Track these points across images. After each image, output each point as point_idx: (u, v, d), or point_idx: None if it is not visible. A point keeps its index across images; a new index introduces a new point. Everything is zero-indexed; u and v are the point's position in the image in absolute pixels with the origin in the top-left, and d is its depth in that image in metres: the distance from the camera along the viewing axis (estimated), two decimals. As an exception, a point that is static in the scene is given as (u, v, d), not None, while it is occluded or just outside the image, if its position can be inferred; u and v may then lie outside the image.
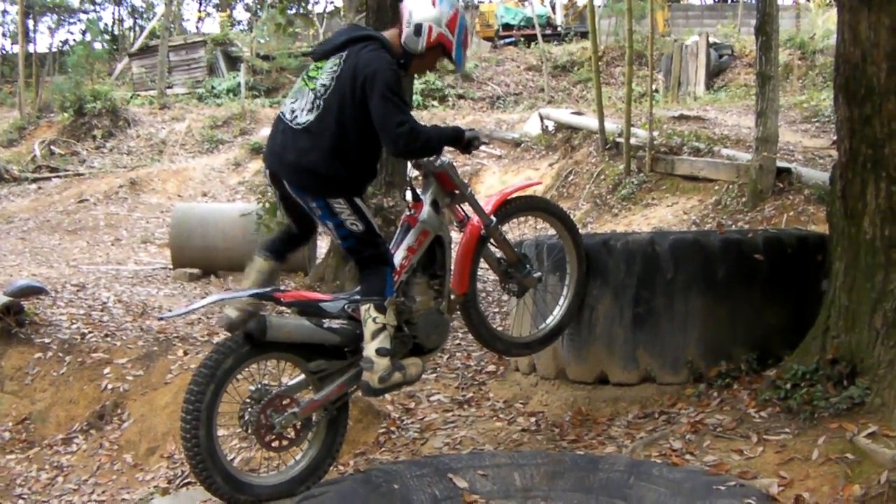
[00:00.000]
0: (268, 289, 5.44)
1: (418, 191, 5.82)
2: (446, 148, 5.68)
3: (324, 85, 5.33)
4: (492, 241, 6.02)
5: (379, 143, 5.39)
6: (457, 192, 5.85)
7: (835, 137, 6.01)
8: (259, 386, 5.28)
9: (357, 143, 5.31)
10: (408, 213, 5.79)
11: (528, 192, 6.90)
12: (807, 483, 4.80)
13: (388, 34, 5.54)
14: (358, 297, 5.43)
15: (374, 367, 5.28)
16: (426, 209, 5.71)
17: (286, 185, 5.37)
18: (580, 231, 6.72)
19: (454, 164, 5.86)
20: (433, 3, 5.46)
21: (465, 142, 5.67)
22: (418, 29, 5.44)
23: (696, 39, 28.00)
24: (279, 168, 5.38)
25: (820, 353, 5.75)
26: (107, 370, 8.94)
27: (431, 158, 5.69)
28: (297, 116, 5.36)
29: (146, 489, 7.41)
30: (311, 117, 5.30)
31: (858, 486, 4.63)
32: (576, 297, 6.58)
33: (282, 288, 5.69)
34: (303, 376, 5.49)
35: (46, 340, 9.47)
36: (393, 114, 5.21)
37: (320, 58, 5.51)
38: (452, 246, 5.88)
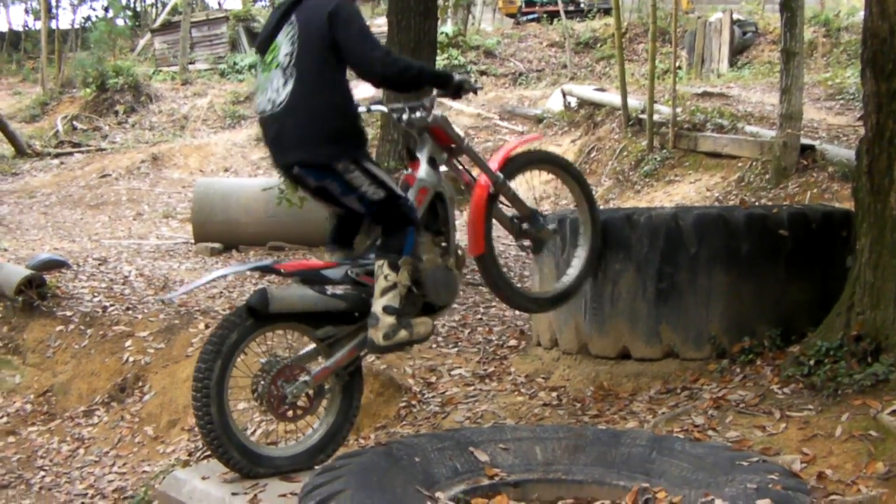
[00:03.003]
0: (267, 261, 5.42)
1: (414, 149, 5.77)
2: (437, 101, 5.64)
3: (287, 54, 5.27)
4: (502, 197, 5.96)
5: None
6: (453, 145, 5.78)
7: (860, 114, 5.95)
8: (269, 358, 5.27)
9: (339, 87, 5.28)
10: (406, 173, 5.74)
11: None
12: (830, 460, 4.78)
13: None
14: (365, 260, 5.41)
15: (379, 323, 5.23)
16: (423, 166, 5.62)
17: (302, 175, 5.34)
18: (602, 208, 6.66)
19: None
20: None
21: (453, 85, 5.56)
22: None
23: (719, 16, 27.83)
24: (286, 157, 5.33)
25: (844, 329, 5.70)
26: (128, 343, 8.97)
27: (423, 114, 5.62)
28: (275, 101, 5.29)
29: (167, 461, 7.44)
30: (290, 88, 5.23)
31: (882, 463, 4.61)
32: (592, 253, 6.48)
33: (281, 259, 5.66)
34: (312, 345, 5.46)
35: (68, 313, 9.51)
36: (363, 40, 5.18)
37: (268, 43, 5.45)
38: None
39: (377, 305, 5.25)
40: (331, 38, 5.18)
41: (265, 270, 5.51)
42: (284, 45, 5.30)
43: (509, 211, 6.10)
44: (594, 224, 6.48)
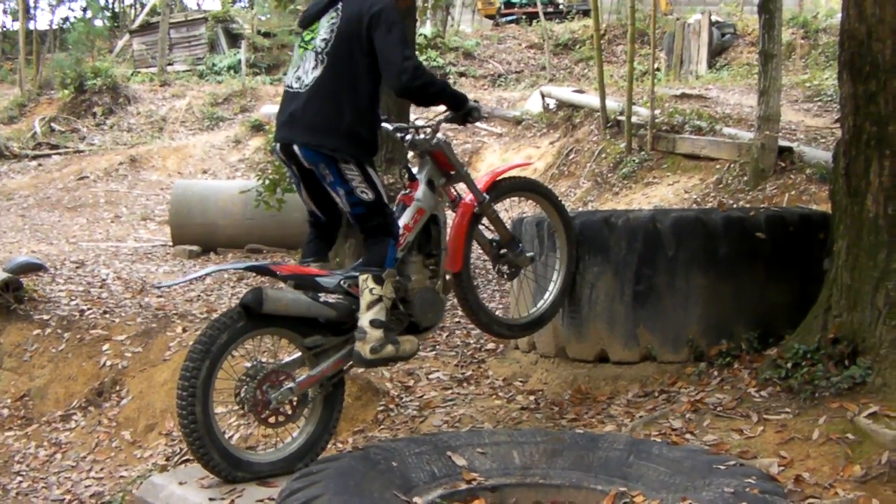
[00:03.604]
0: (264, 262, 5.41)
1: (414, 170, 5.80)
2: (443, 126, 5.68)
3: (324, 40, 5.34)
4: (485, 219, 5.98)
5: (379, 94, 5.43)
6: (452, 172, 5.82)
7: (837, 116, 5.98)
8: (255, 363, 5.26)
9: (369, 90, 5.35)
10: (404, 193, 5.77)
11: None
12: (807, 463, 4.79)
13: None
14: (354, 272, 5.41)
15: (366, 337, 5.26)
16: (422, 188, 5.70)
17: (300, 156, 5.34)
18: (580, 209, 6.70)
19: (450, 142, 5.82)
20: None
21: (465, 109, 5.62)
22: None
23: (698, 18, 27.88)
24: (293, 135, 5.36)
25: (821, 332, 5.73)
26: (105, 347, 8.94)
27: (427, 137, 5.67)
28: (302, 80, 5.36)
29: (144, 466, 7.42)
30: (318, 73, 5.31)
31: (859, 466, 4.63)
32: (567, 277, 6.56)
33: (279, 262, 5.67)
34: (298, 353, 5.48)
35: (45, 317, 9.46)
36: (400, 46, 5.24)
37: (311, 22, 5.51)
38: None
39: (364, 319, 5.26)
40: (368, 38, 5.24)
41: (261, 271, 5.53)
42: (324, 30, 5.37)
43: (490, 234, 6.14)
44: (570, 250, 6.56)
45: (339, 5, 5.39)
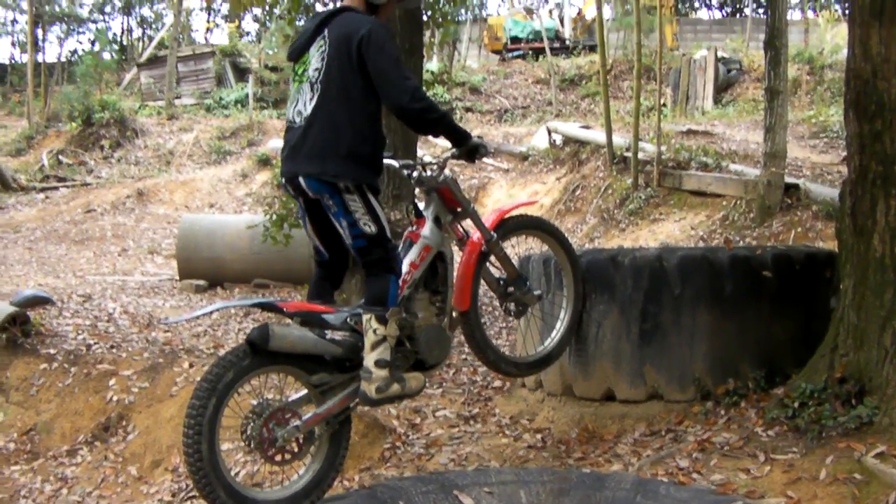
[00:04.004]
0: (271, 299, 5.41)
1: (420, 206, 5.80)
2: (451, 161, 5.69)
3: (316, 69, 5.33)
4: (492, 257, 5.99)
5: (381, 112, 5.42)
6: (459, 209, 5.82)
7: (843, 153, 5.99)
8: (261, 400, 5.25)
9: (365, 110, 5.31)
10: (410, 230, 5.77)
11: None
12: (814, 503, 4.77)
13: (351, 4, 5.54)
14: (360, 310, 5.41)
15: (371, 377, 5.25)
16: (428, 225, 5.68)
17: (305, 187, 5.34)
18: (587, 246, 6.71)
19: (457, 178, 5.83)
20: None
21: (468, 145, 5.60)
22: None
23: (704, 54, 27.99)
24: (296, 167, 5.34)
25: (828, 371, 5.72)
26: (112, 382, 8.91)
27: (434, 174, 5.68)
28: (302, 113, 5.36)
29: (150, 502, 7.38)
30: (314, 102, 5.30)
31: (866, 506, 4.61)
32: (574, 316, 6.56)
33: (286, 298, 5.66)
34: (305, 391, 5.45)
35: (52, 351, 9.44)
36: (398, 66, 5.26)
37: (300, 54, 5.51)
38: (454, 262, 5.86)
39: (369, 360, 5.25)
40: (359, 59, 5.23)
41: (268, 308, 5.51)
42: (315, 59, 5.37)
43: (497, 272, 6.14)
44: (577, 288, 6.57)
45: (325, 32, 5.38)
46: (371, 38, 5.21)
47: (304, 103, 5.36)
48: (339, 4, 5.68)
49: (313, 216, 5.55)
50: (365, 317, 5.26)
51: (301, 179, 5.32)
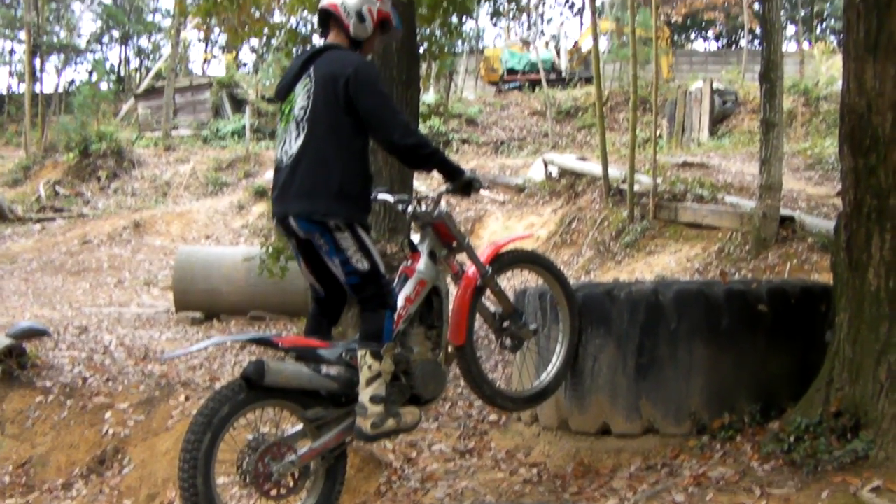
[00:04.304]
0: (267, 334, 5.42)
1: (415, 241, 5.81)
2: (444, 196, 5.72)
3: (302, 108, 5.37)
4: (488, 291, 5.99)
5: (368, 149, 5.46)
6: (454, 243, 5.84)
7: (839, 185, 6.01)
8: (256, 435, 5.25)
9: (352, 148, 5.35)
10: (405, 264, 5.78)
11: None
12: (810, 538, 4.77)
13: (335, 41, 5.60)
14: (356, 344, 5.41)
15: (367, 412, 5.27)
16: (423, 259, 5.70)
17: (296, 227, 5.37)
18: (583, 279, 6.72)
19: (454, 215, 5.84)
20: None
21: (462, 181, 5.62)
22: (361, 16, 5.54)
23: (700, 85, 28.11)
24: (286, 206, 5.38)
25: (823, 405, 5.72)
26: (108, 415, 8.90)
27: (429, 209, 5.71)
28: (288, 152, 5.39)
29: (145, 536, 7.37)
30: (301, 141, 5.33)
31: (863, 541, 4.61)
32: (570, 350, 6.57)
33: (282, 333, 5.67)
34: (300, 425, 5.47)
35: (48, 384, 9.43)
36: (388, 104, 5.33)
37: (287, 92, 5.55)
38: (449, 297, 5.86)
39: (364, 396, 5.27)
40: (346, 98, 5.27)
41: (263, 343, 5.52)
42: (301, 97, 5.41)
43: (492, 306, 6.15)
44: (573, 322, 6.58)
45: (311, 70, 5.42)
46: (358, 78, 5.26)
47: (290, 142, 5.40)
48: (323, 42, 5.70)
49: (307, 255, 5.57)
50: (360, 353, 5.28)
51: (291, 220, 5.34)
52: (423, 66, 12.45)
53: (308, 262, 5.61)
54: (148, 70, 49.49)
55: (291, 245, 5.69)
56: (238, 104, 37.17)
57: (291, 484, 5.34)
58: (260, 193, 25.28)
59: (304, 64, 5.49)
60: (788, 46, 44.39)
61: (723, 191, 15.97)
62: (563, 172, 20.97)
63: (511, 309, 6.20)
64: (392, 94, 10.71)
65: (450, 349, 5.85)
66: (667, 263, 14.25)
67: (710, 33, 53.96)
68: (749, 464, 5.73)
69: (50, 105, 41.95)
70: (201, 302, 14.23)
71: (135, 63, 57.92)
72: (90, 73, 48.24)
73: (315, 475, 5.49)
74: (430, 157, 5.43)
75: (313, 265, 5.60)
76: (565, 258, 16.90)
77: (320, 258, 5.47)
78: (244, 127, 33.05)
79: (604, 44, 35.01)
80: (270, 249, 11.39)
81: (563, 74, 38.58)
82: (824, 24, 50.05)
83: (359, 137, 5.37)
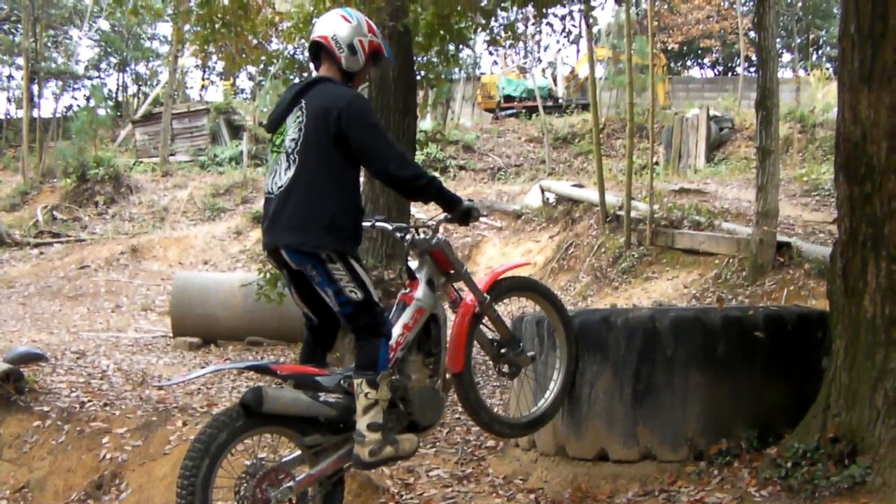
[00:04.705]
0: (265, 361, 5.42)
1: (413, 268, 5.82)
2: (443, 225, 5.74)
3: (293, 139, 5.36)
4: (486, 319, 6.01)
5: (359, 182, 5.49)
6: (452, 271, 5.85)
7: (835, 212, 6.04)
8: (254, 460, 5.26)
9: (343, 181, 5.36)
10: (404, 292, 5.79)
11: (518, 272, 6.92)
12: (808, 563, 4.78)
13: (327, 74, 5.61)
14: (352, 373, 5.42)
15: (364, 440, 5.27)
16: (422, 287, 5.70)
17: (287, 259, 5.38)
18: (580, 305, 6.74)
19: (451, 241, 5.86)
20: (348, 20, 5.60)
21: (459, 210, 5.62)
22: (353, 48, 5.55)
23: (696, 112, 28.14)
24: (276, 238, 5.38)
25: (821, 431, 5.74)
26: (105, 439, 8.89)
27: (427, 237, 5.73)
28: (278, 184, 5.39)
29: (143, 562, 7.36)
30: (291, 173, 5.32)
31: (859, 567, 4.62)
32: (567, 376, 6.58)
33: (280, 360, 5.67)
34: (298, 451, 5.47)
35: (45, 408, 9.42)
36: (382, 138, 5.35)
37: (278, 124, 5.55)
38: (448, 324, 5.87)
39: (361, 423, 5.27)
40: (338, 132, 5.27)
41: (261, 370, 5.52)
42: (292, 129, 5.41)
43: (490, 333, 6.16)
44: (570, 349, 6.59)
45: (303, 103, 5.42)
46: (351, 112, 5.28)
47: (280, 174, 5.39)
48: (314, 75, 5.72)
49: (298, 285, 5.59)
50: (356, 381, 5.29)
51: (283, 252, 5.36)
52: (420, 93, 12.49)
53: (300, 291, 5.62)
54: (146, 96, 49.55)
55: (283, 275, 5.71)
56: (235, 130, 37.23)
57: (289, 510, 5.35)
58: (257, 219, 25.26)
59: (296, 96, 5.48)
60: (784, 73, 44.69)
61: (719, 217, 16.02)
62: (560, 199, 21.01)
63: (509, 336, 6.21)
64: (389, 122, 10.77)
65: (448, 376, 5.86)
66: (664, 290, 14.27)
67: (707, 60, 54.14)
68: (746, 489, 5.75)
69: (48, 130, 42.00)
70: (198, 327, 14.24)
71: (132, 89, 58.09)
72: (88, 99, 48.26)
73: (313, 501, 5.49)
74: (426, 187, 5.43)
75: (305, 294, 5.60)
76: (562, 284, 16.93)
77: (312, 288, 5.48)
78: (241, 153, 33.09)
79: (600, 71, 35.03)
80: (268, 275, 11.41)
81: (560, 101, 38.65)
82: (820, 52, 50.26)
83: (350, 170, 5.39)
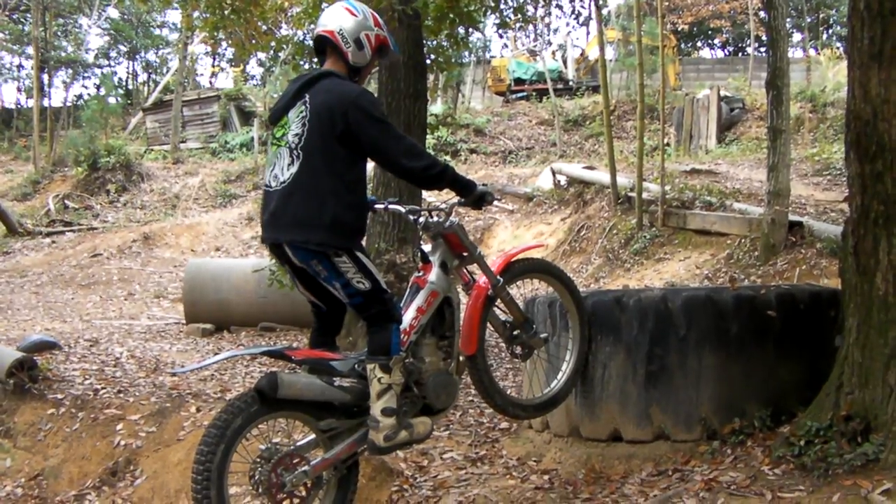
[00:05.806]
0: (279, 346, 5.43)
1: (426, 251, 5.82)
2: (456, 208, 5.72)
3: (296, 135, 5.34)
4: (499, 301, 6.01)
5: (364, 177, 5.47)
6: (465, 254, 5.86)
7: (846, 190, 6.02)
8: (269, 445, 5.27)
9: (346, 178, 5.34)
10: (417, 275, 5.79)
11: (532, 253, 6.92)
12: (822, 541, 4.78)
13: (333, 68, 5.58)
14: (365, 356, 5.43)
15: (379, 426, 5.28)
16: (435, 270, 5.71)
17: (290, 254, 5.38)
18: (592, 287, 6.73)
19: (463, 224, 5.86)
20: (354, 14, 5.57)
21: (475, 195, 5.64)
22: (359, 43, 5.54)
23: (707, 93, 28.07)
24: (278, 235, 5.37)
25: (833, 409, 5.73)
26: (119, 426, 8.91)
27: (440, 219, 5.72)
28: (279, 178, 5.37)
29: (158, 547, 7.38)
30: (294, 169, 5.30)
31: (874, 544, 4.61)
32: (580, 357, 6.59)
33: (294, 346, 5.68)
34: (313, 435, 5.48)
35: (59, 396, 9.45)
36: (391, 132, 5.33)
37: (280, 117, 5.52)
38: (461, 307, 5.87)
39: (375, 408, 5.29)
40: (344, 129, 5.24)
41: (276, 356, 5.53)
42: (295, 124, 5.37)
43: (503, 315, 6.16)
44: (582, 331, 6.60)
45: (307, 97, 5.39)
46: (358, 109, 5.26)
47: (281, 168, 5.37)
48: (320, 68, 5.69)
49: (302, 279, 5.58)
50: (369, 367, 5.30)
51: (286, 248, 5.35)
52: (431, 77, 12.46)
53: (304, 283, 5.62)
54: (156, 84, 49.54)
55: (286, 269, 5.70)
56: (246, 117, 37.25)
57: (304, 494, 5.35)
58: (268, 206, 25.27)
59: (300, 90, 5.45)
60: (795, 53, 44.52)
61: (731, 197, 15.96)
62: (572, 181, 20.98)
63: (522, 318, 6.21)
64: (400, 107, 10.74)
65: (461, 358, 5.86)
66: (676, 270, 14.24)
67: (717, 41, 53.88)
68: (760, 468, 5.74)
69: (58, 119, 42.11)
70: (211, 314, 14.24)
71: (143, 77, 58.10)
72: (98, 88, 48.27)
73: (327, 485, 5.50)
74: (440, 175, 5.43)
75: (310, 286, 5.61)
76: (574, 266, 16.91)
77: (315, 280, 5.47)
78: (252, 139, 33.12)
79: (610, 53, 34.96)
80: (279, 261, 11.42)
81: (571, 84, 38.57)
82: (830, 31, 50.05)
83: (354, 167, 5.38)
